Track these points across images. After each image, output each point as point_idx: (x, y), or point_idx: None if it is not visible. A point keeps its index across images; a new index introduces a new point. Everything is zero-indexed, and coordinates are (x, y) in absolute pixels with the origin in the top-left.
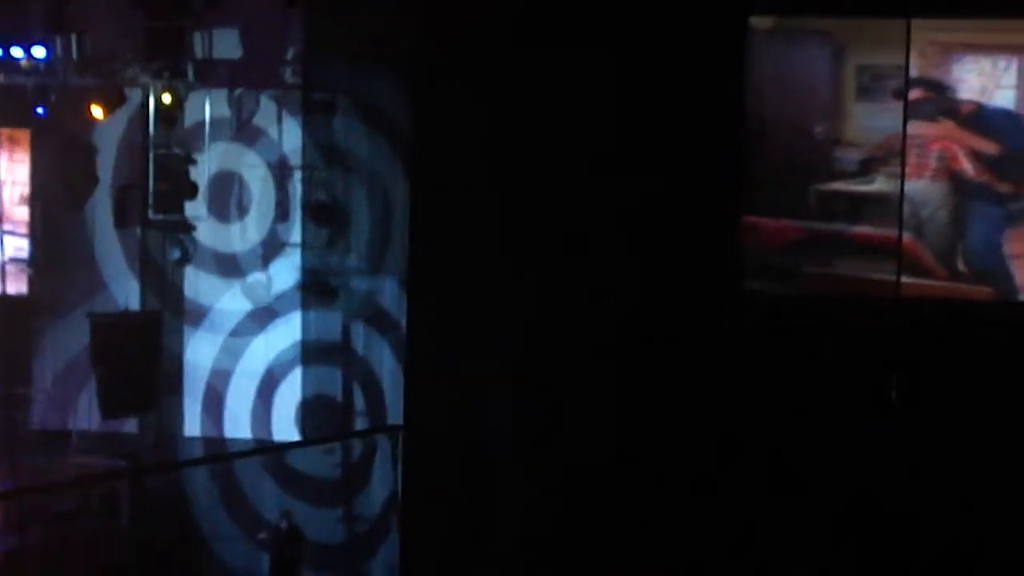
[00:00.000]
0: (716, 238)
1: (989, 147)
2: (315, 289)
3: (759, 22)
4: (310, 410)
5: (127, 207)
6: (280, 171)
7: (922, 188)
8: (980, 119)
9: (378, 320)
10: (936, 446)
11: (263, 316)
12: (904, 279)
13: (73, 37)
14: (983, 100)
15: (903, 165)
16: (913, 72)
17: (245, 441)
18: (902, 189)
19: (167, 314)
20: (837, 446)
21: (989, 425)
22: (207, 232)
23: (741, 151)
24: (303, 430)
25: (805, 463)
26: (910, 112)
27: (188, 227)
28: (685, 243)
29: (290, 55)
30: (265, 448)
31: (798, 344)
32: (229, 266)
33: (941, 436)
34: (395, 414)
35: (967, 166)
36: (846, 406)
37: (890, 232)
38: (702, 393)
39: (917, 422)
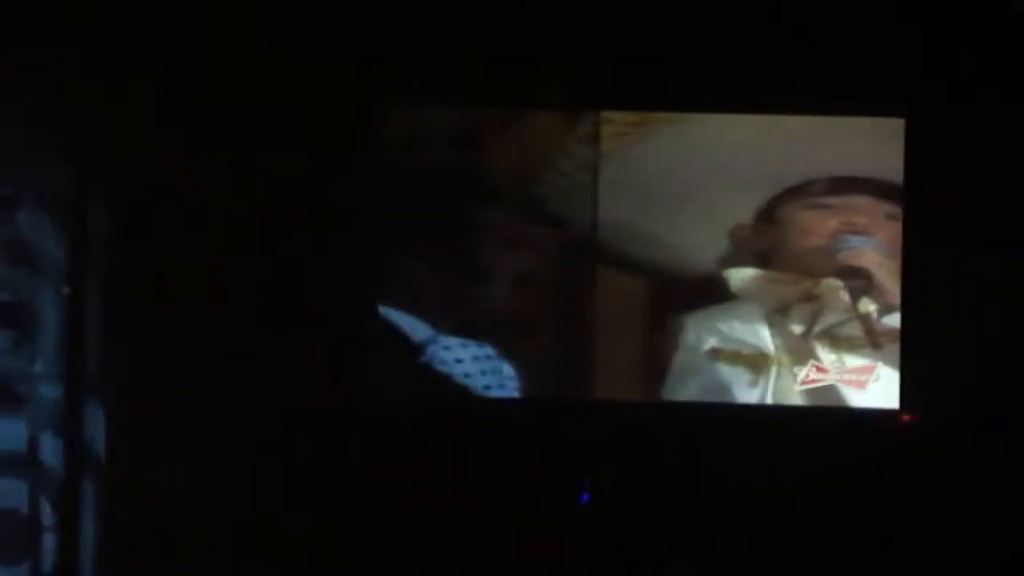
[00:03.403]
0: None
1: None
2: None
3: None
4: None
5: None
6: None
7: None
8: None
9: (68, 429)
10: (632, 548)
11: None
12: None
13: None
14: None
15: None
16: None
17: None
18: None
19: None
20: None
21: (687, 524)
22: None
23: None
24: None
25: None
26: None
27: None
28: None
29: None
30: None
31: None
32: None
33: (637, 537)
34: (88, 529)
35: None
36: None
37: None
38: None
39: (610, 525)
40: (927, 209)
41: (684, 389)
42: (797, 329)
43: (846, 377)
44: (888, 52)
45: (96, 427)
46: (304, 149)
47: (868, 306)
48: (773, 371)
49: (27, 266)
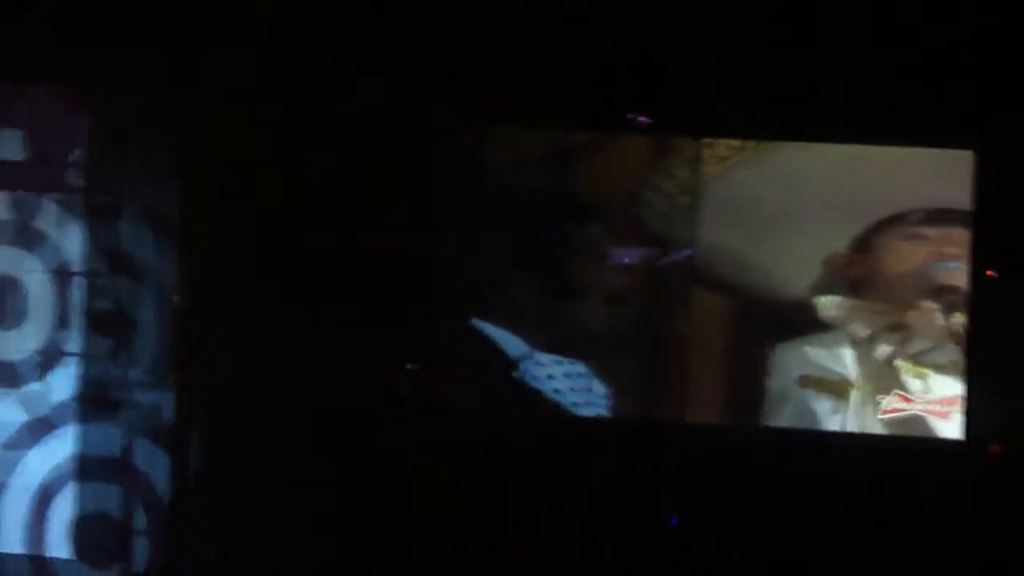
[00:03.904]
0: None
1: None
2: (95, 401)
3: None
4: (85, 527)
5: None
6: (61, 277)
7: None
8: None
9: (163, 436)
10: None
11: (40, 428)
12: None
13: None
14: None
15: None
16: None
17: (17, 556)
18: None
19: None
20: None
21: (773, 549)
22: None
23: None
24: (78, 548)
25: None
26: None
27: None
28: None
29: (74, 157)
30: None
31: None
32: (5, 375)
33: (724, 561)
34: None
35: None
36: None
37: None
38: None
39: (698, 548)
40: (999, 236)
41: (777, 415)
42: (883, 357)
43: (930, 407)
44: (959, 85)
45: (196, 436)
46: (408, 167)
47: (959, 321)
48: (856, 399)
49: (127, 274)
